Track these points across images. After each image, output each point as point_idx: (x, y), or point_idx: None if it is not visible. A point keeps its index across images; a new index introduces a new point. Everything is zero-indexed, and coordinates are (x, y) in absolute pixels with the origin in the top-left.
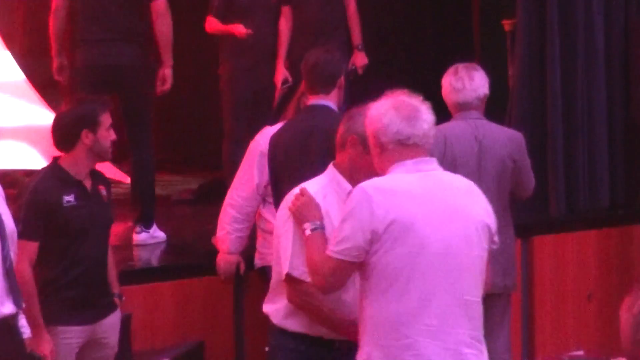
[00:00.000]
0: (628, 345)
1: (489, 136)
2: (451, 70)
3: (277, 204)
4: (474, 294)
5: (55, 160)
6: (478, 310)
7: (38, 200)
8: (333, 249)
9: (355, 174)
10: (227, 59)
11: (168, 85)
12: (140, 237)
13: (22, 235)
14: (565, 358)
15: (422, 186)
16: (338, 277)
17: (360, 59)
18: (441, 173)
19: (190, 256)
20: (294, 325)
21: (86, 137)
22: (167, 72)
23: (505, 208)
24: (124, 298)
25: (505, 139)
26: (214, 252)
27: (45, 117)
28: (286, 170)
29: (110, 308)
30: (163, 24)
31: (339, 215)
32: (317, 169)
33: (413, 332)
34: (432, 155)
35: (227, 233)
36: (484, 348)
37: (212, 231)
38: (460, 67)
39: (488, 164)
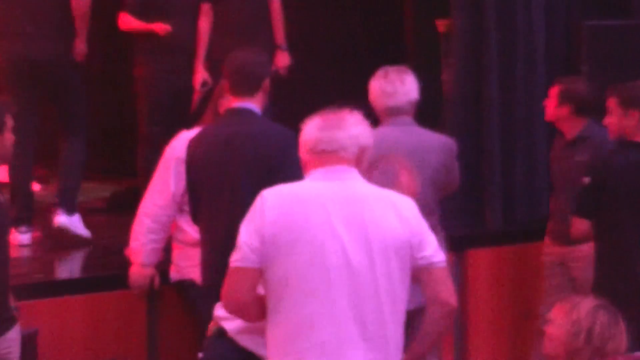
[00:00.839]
0: (562, 353)
1: (423, 143)
2: (380, 73)
3: (194, 214)
4: (374, 314)
5: None
6: (381, 331)
7: None
8: (232, 259)
9: None
10: (145, 60)
11: (81, 57)
12: (60, 219)
13: None
14: None
15: (326, 195)
16: (234, 285)
17: (282, 60)
18: (358, 183)
19: (101, 268)
20: (245, 341)
21: None
22: (80, 44)
23: (437, 220)
24: (19, 312)
25: (438, 146)
26: (127, 264)
27: None
28: (205, 178)
29: (11, 322)
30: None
31: None
32: (240, 177)
33: (299, 349)
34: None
35: (141, 244)
36: None
37: (126, 242)
38: (391, 70)
39: (423, 173)
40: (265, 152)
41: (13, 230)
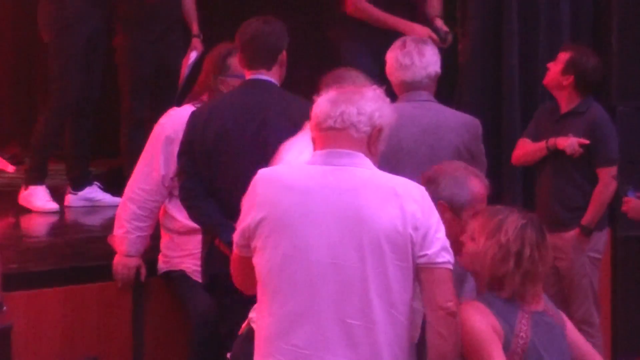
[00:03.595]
0: (487, 275)
1: (442, 122)
2: (397, 43)
3: (192, 195)
4: (363, 318)
5: None
6: (370, 337)
7: None
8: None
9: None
10: (127, 29)
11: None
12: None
13: None
14: None
15: (319, 182)
16: (235, 271)
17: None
18: (358, 170)
19: (82, 258)
20: None
21: None
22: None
23: None
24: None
25: (460, 125)
26: (110, 253)
27: None
28: (218, 156)
29: None
30: None
31: None
32: (267, 152)
33: (276, 351)
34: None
35: (126, 232)
36: None
37: (109, 229)
38: (409, 41)
39: (441, 154)
40: (288, 123)
41: None
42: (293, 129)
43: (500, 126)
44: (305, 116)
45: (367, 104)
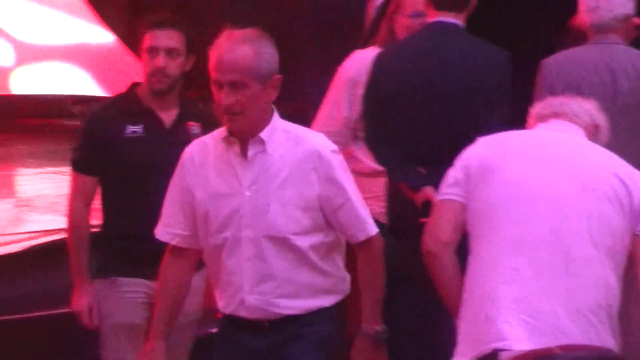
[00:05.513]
0: None
1: (630, 68)
2: None
3: (374, 138)
4: (585, 250)
5: (132, 85)
6: (585, 270)
7: (97, 128)
8: (440, 191)
9: None
10: None
11: None
12: None
13: (76, 167)
14: None
15: (539, 136)
16: (438, 218)
17: None
18: (581, 139)
19: None
20: None
21: None
22: None
23: None
24: None
25: None
26: None
27: (100, 36)
28: (399, 100)
29: None
30: None
31: None
32: (444, 99)
33: (494, 277)
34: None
35: None
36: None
37: None
38: None
39: (626, 102)
40: (476, 71)
41: None
42: (469, 83)
43: None
44: (487, 72)
45: (585, 103)
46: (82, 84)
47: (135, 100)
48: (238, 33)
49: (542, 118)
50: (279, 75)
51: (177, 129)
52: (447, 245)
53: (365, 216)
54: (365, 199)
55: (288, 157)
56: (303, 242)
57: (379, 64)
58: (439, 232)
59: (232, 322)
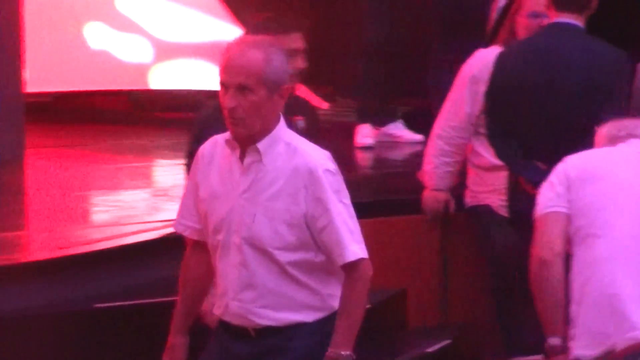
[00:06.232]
0: None
1: None
2: None
3: (496, 133)
4: None
5: None
6: None
7: (208, 129)
8: (540, 205)
9: None
10: None
11: None
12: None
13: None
14: None
15: (631, 149)
16: (547, 230)
17: None
18: None
19: (391, 192)
20: None
21: None
22: None
23: None
24: None
25: None
26: (418, 188)
27: (232, 33)
28: (519, 98)
29: None
30: None
31: None
32: (566, 96)
33: (616, 270)
34: None
35: (434, 167)
36: None
37: (411, 165)
38: None
39: None
40: (596, 69)
41: None
42: (590, 81)
43: None
44: (606, 70)
45: None
46: (215, 79)
47: None
48: (250, 38)
49: (616, 139)
50: (288, 85)
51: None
52: (559, 255)
53: (347, 242)
54: (485, 192)
55: (283, 170)
56: (285, 257)
57: (502, 62)
58: (551, 243)
59: (223, 325)
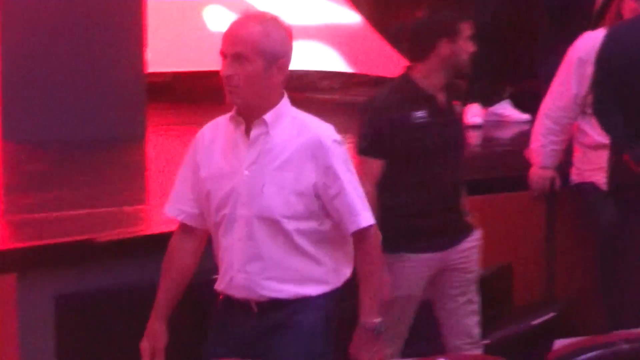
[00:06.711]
0: None
1: None
2: None
3: (603, 107)
4: None
5: (406, 70)
6: None
7: (383, 114)
8: None
9: None
10: None
11: None
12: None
13: (364, 151)
14: None
15: None
16: None
17: None
18: None
19: (498, 169)
20: None
21: (443, 47)
22: None
23: None
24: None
25: None
26: (527, 165)
27: (348, 17)
28: (626, 78)
29: (465, 232)
30: None
31: None
32: None
33: None
34: None
35: (541, 145)
36: None
37: (519, 143)
38: None
39: None
40: None
41: None
42: None
43: None
44: None
45: None
46: (329, 60)
47: (415, 86)
48: (253, 12)
49: None
50: (285, 59)
51: (451, 109)
52: None
53: (359, 209)
54: (590, 170)
55: (290, 142)
56: (293, 226)
57: (611, 39)
58: None
59: (225, 302)
